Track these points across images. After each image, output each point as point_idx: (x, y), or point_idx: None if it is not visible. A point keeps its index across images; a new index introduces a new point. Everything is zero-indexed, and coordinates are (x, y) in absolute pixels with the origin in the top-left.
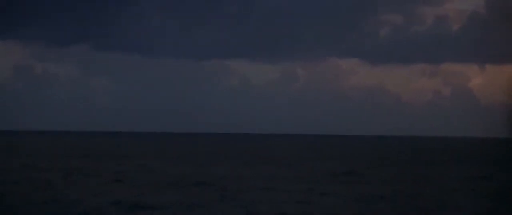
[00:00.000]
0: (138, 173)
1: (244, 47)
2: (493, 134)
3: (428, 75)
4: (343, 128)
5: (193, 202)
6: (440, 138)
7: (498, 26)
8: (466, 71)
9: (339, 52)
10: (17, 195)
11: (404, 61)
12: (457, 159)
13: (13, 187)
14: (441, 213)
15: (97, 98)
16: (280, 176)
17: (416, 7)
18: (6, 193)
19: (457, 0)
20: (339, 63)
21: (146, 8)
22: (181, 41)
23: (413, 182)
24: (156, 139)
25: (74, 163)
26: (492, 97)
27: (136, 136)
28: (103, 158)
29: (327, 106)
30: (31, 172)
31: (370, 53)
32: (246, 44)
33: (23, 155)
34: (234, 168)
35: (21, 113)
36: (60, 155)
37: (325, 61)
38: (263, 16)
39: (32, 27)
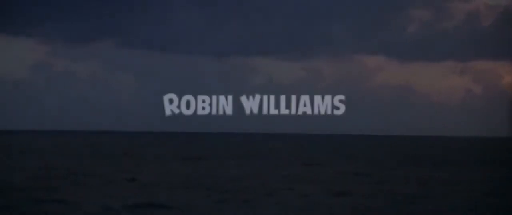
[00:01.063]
0: (151, 174)
1: (268, 45)
2: None
3: (458, 73)
4: (369, 127)
5: (204, 203)
6: (472, 138)
7: None
8: (498, 69)
9: (366, 49)
10: (25, 194)
11: (433, 58)
12: (487, 160)
13: (20, 187)
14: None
15: (119, 96)
16: (299, 176)
17: (445, 2)
18: (13, 193)
19: None
20: (365, 61)
21: (170, 4)
22: (206, 38)
23: (435, 184)
24: (176, 138)
25: (87, 163)
26: None
27: (155, 136)
28: (119, 158)
29: (353, 105)
30: (43, 172)
31: (398, 50)
32: (271, 42)
33: (35, 154)
34: (254, 168)
35: (39, 112)
36: (74, 155)
37: (351, 59)
38: (287, 12)
39: (51, 23)
